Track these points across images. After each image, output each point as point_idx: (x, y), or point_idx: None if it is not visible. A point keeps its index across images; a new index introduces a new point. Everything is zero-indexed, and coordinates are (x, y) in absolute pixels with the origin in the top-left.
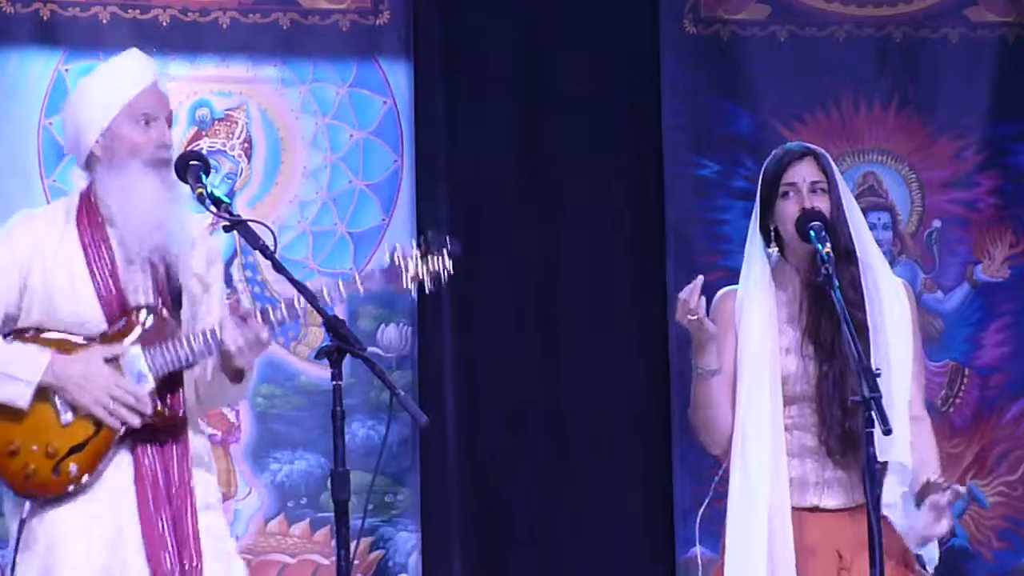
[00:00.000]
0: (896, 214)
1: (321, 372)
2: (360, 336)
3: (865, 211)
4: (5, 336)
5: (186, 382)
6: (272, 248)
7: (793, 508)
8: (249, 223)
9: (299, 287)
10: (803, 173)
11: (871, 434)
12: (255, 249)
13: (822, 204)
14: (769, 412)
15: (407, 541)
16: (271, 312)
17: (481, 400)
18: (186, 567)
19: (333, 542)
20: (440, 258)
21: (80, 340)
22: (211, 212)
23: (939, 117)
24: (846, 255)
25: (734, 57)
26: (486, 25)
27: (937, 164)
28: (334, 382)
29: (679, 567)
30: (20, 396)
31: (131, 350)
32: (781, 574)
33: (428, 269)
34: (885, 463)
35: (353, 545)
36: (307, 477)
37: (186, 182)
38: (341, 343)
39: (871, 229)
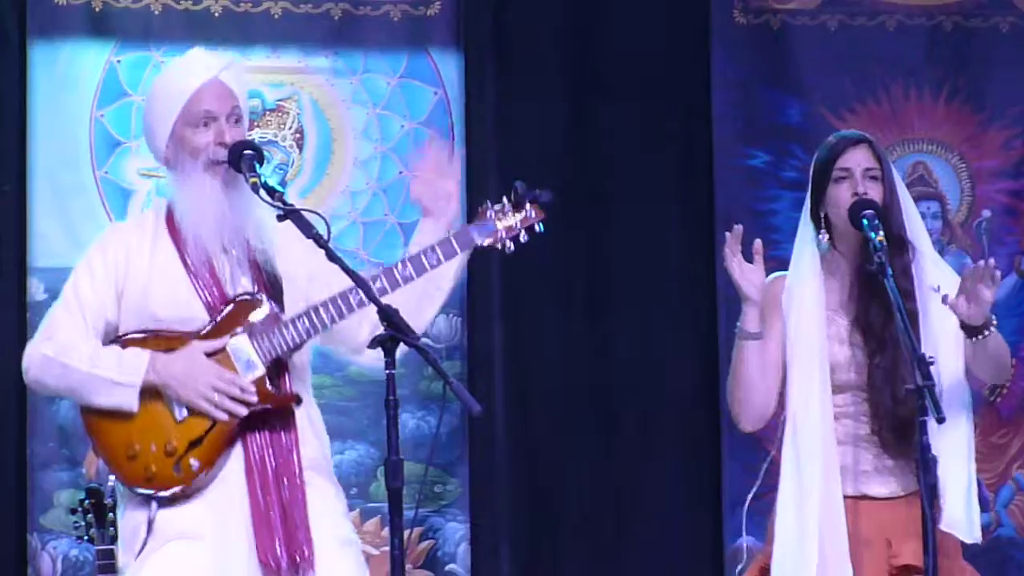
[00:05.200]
0: (946, 203)
1: (370, 362)
2: (411, 326)
3: (915, 200)
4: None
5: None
6: (325, 237)
7: (844, 497)
8: (303, 212)
9: (353, 276)
10: (858, 159)
11: (925, 423)
12: (308, 238)
13: (875, 191)
14: (819, 401)
15: (456, 531)
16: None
17: (530, 390)
18: (297, 557)
19: (383, 532)
20: (533, 209)
21: (182, 331)
22: (265, 201)
23: (989, 106)
24: (899, 243)
25: (784, 47)
26: (536, 16)
27: (987, 153)
28: (388, 371)
29: (727, 557)
30: (128, 401)
31: (238, 340)
32: (833, 563)
33: (522, 221)
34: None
35: (404, 535)
36: (357, 467)
37: (240, 171)
38: (395, 332)
39: (921, 219)
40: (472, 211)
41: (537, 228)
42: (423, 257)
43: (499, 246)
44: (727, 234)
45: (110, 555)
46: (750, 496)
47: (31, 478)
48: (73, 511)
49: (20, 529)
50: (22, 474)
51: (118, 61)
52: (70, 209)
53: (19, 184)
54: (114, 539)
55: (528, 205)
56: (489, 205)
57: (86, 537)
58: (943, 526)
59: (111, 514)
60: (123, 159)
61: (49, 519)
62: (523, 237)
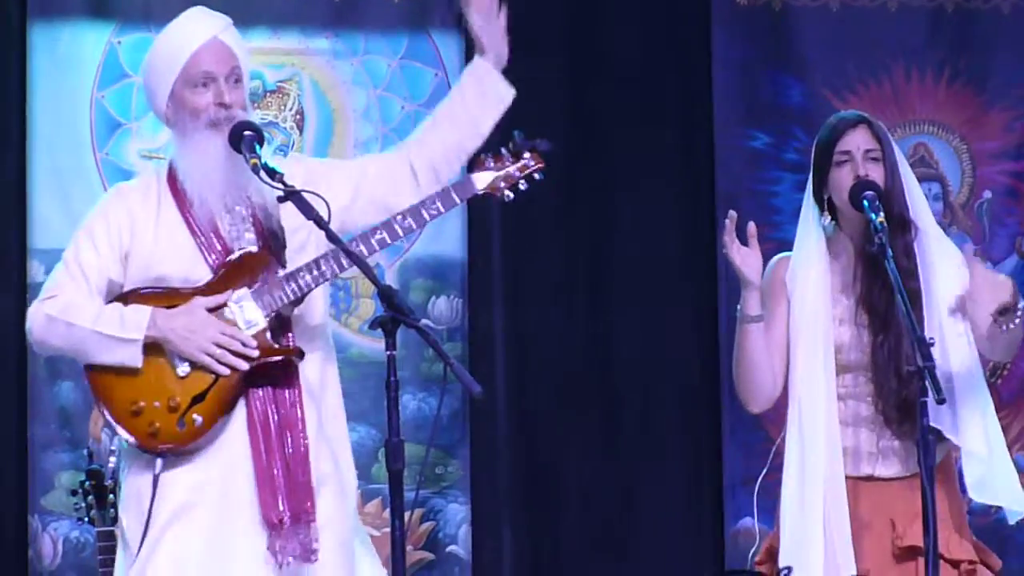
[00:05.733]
0: (947, 185)
1: (372, 344)
2: (411, 308)
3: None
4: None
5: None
6: (326, 219)
7: (848, 477)
8: (303, 194)
9: (352, 257)
10: (857, 141)
11: (925, 403)
12: (309, 220)
13: (876, 172)
14: (824, 381)
15: (457, 513)
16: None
17: (531, 372)
18: (298, 512)
19: (384, 514)
20: (532, 158)
21: (183, 288)
22: (265, 183)
23: (990, 88)
24: (900, 223)
25: (785, 28)
26: None
27: (988, 135)
28: (388, 352)
29: (728, 538)
30: (131, 357)
31: (239, 294)
32: (836, 544)
33: (520, 170)
34: (939, 431)
35: (405, 517)
36: (358, 449)
37: (240, 152)
38: (395, 313)
39: (924, 196)
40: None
41: (536, 176)
42: (422, 209)
43: (498, 194)
44: (726, 221)
45: (111, 537)
46: (760, 479)
47: (32, 460)
48: (74, 492)
49: (21, 511)
50: (23, 456)
51: (118, 42)
52: (70, 191)
53: (19, 165)
54: (115, 521)
55: (527, 154)
56: (488, 155)
57: (87, 519)
58: (988, 500)
59: (111, 496)
60: (124, 140)
61: (50, 501)
62: (522, 185)
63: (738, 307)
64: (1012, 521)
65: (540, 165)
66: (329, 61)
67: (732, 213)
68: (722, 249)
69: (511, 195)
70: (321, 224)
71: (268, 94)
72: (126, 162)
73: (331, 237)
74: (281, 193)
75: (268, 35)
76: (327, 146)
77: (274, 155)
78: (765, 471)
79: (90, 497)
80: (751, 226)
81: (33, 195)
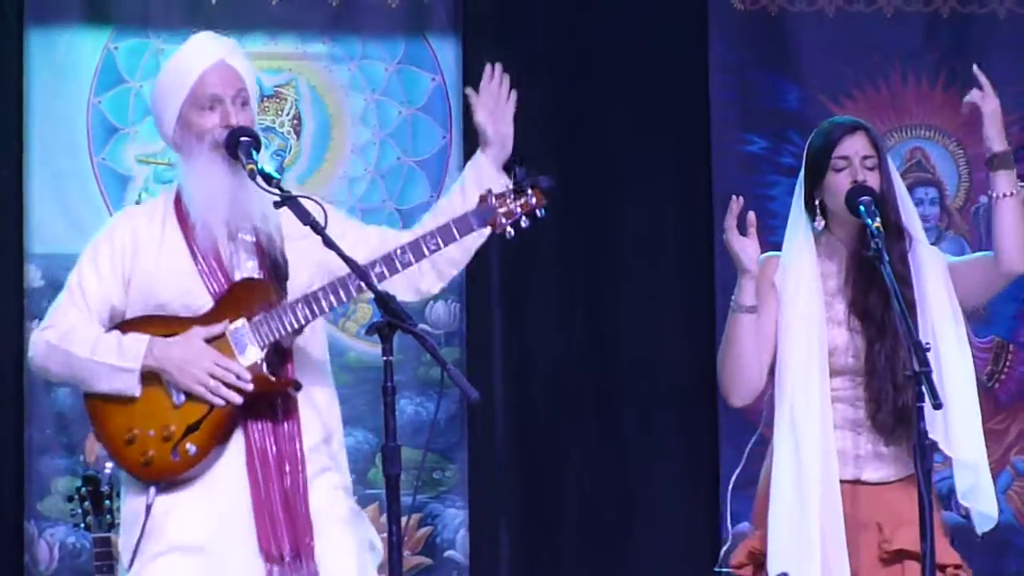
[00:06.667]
0: (943, 189)
1: (369, 348)
2: (409, 313)
3: (912, 186)
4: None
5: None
6: (323, 224)
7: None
8: (300, 199)
9: (350, 263)
10: (856, 147)
11: (922, 408)
12: (306, 225)
13: (873, 179)
14: (818, 384)
15: (455, 517)
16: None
17: (529, 376)
18: (298, 546)
19: (382, 518)
20: (534, 194)
21: (183, 317)
22: (262, 188)
23: None
24: (896, 230)
25: (782, 33)
26: (535, 1)
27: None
28: (385, 357)
29: (723, 541)
30: (129, 386)
31: (237, 324)
32: (829, 546)
33: (522, 207)
34: (934, 442)
35: (402, 521)
36: (355, 454)
37: (237, 158)
38: (392, 319)
39: (918, 205)
40: None
41: (538, 213)
42: (422, 243)
43: (499, 231)
44: (731, 205)
45: (107, 543)
46: (733, 478)
47: (29, 465)
48: (70, 498)
49: (17, 516)
50: (19, 461)
51: (115, 48)
52: (68, 195)
53: (17, 170)
54: (111, 527)
55: (529, 190)
56: (490, 191)
57: (83, 525)
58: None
59: (108, 502)
60: (121, 145)
61: (46, 506)
62: (524, 223)
63: (732, 297)
64: (980, 531)
65: (542, 202)
66: (326, 66)
67: (738, 198)
68: (721, 246)
69: (512, 232)
70: (317, 229)
71: (265, 99)
72: (123, 167)
73: (327, 243)
74: (278, 199)
75: (265, 40)
76: (324, 151)
77: (271, 160)
78: (738, 471)
79: (87, 503)
80: (751, 215)
81: (30, 200)
